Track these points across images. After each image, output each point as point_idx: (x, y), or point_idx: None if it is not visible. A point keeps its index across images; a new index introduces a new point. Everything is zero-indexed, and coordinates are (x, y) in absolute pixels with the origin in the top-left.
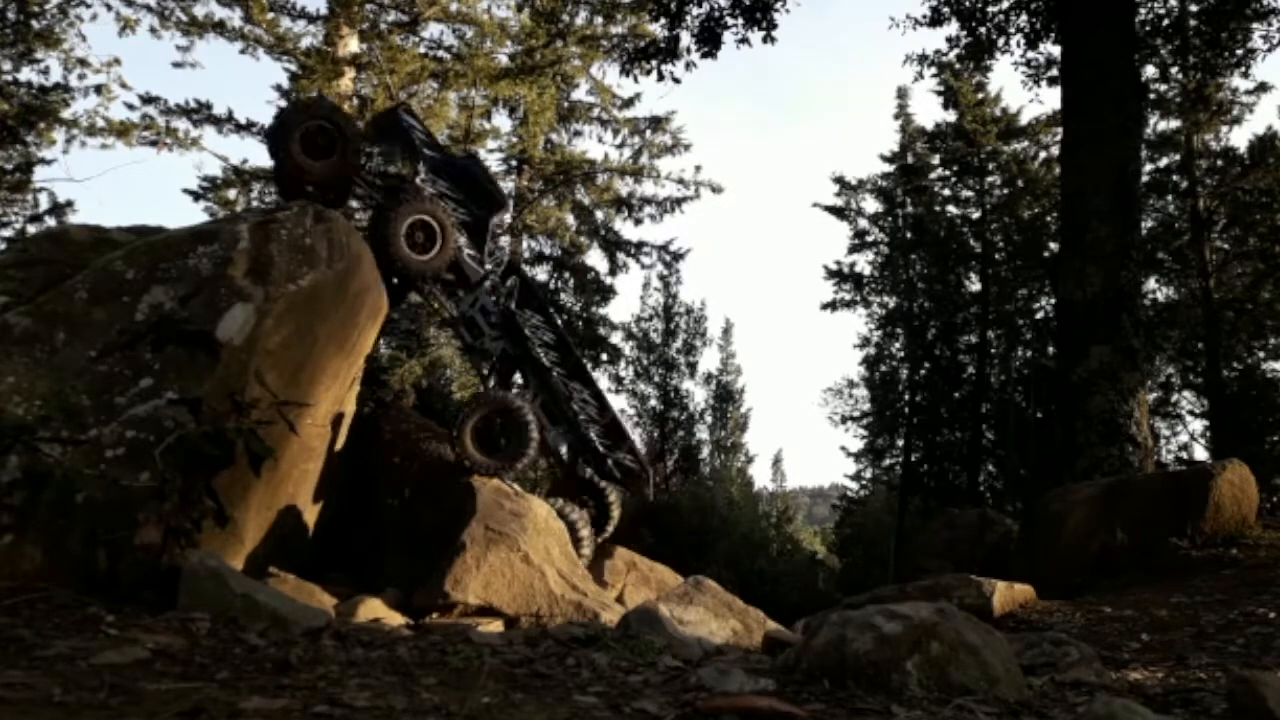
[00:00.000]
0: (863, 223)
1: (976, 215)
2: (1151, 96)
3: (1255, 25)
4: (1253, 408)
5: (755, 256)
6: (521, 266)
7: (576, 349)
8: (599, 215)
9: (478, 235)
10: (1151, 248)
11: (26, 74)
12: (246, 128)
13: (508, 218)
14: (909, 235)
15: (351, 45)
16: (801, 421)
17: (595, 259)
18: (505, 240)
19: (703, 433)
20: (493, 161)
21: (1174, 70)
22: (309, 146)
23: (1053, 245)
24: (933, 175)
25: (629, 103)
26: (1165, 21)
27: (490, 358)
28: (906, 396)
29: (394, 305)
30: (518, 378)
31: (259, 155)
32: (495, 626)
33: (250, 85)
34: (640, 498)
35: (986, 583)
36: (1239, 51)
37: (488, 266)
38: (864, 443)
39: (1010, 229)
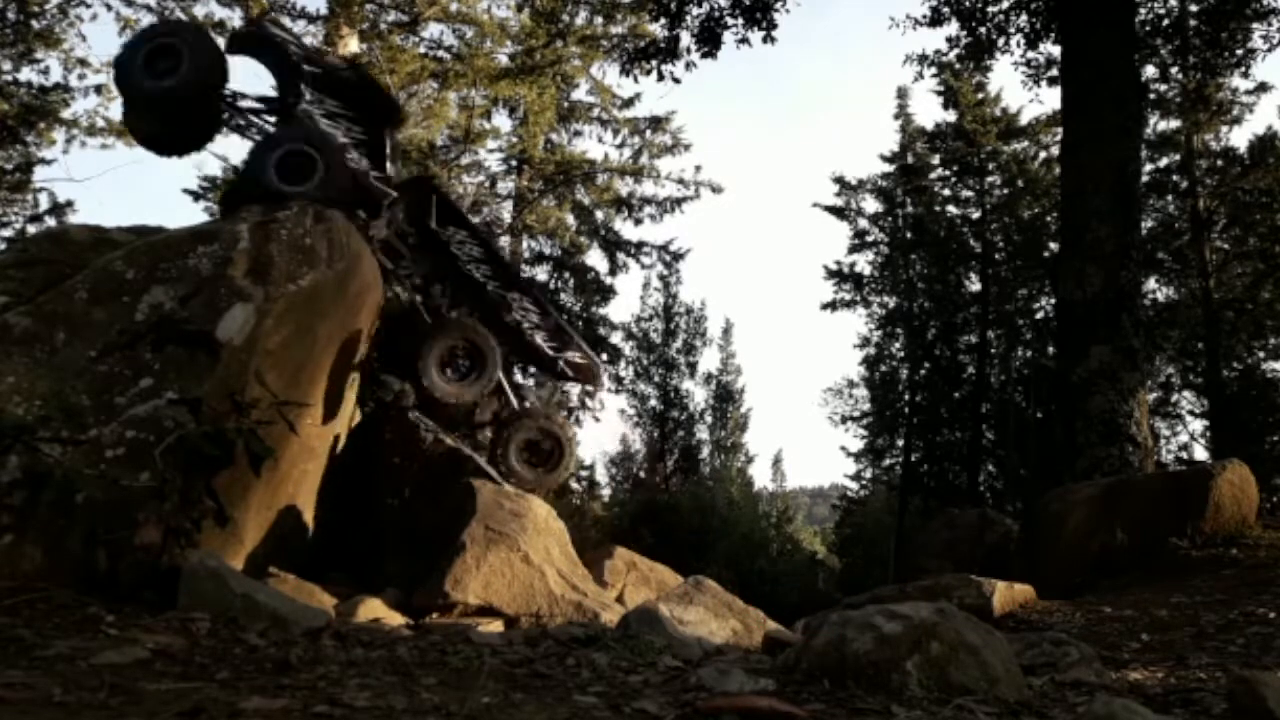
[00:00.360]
0: (863, 223)
1: (976, 215)
2: (1151, 96)
3: (1255, 25)
4: (1253, 408)
5: (755, 256)
6: (434, 181)
7: (508, 257)
8: (599, 215)
9: (378, 153)
10: (1151, 248)
11: (26, 74)
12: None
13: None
14: (909, 235)
15: (351, 45)
16: (801, 421)
17: (595, 259)
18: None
19: (703, 433)
20: (493, 161)
21: (1174, 70)
22: (154, 69)
23: (1053, 245)
24: (933, 175)
25: (629, 103)
26: (1165, 21)
27: (413, 280)
28: (906, 396)
29: None
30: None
31: None
32: (495, 626)
33: (249, 85)
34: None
35: (986, 583)
36: (1239, 51)
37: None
38: (864, 443)
39: (1010, 229)
